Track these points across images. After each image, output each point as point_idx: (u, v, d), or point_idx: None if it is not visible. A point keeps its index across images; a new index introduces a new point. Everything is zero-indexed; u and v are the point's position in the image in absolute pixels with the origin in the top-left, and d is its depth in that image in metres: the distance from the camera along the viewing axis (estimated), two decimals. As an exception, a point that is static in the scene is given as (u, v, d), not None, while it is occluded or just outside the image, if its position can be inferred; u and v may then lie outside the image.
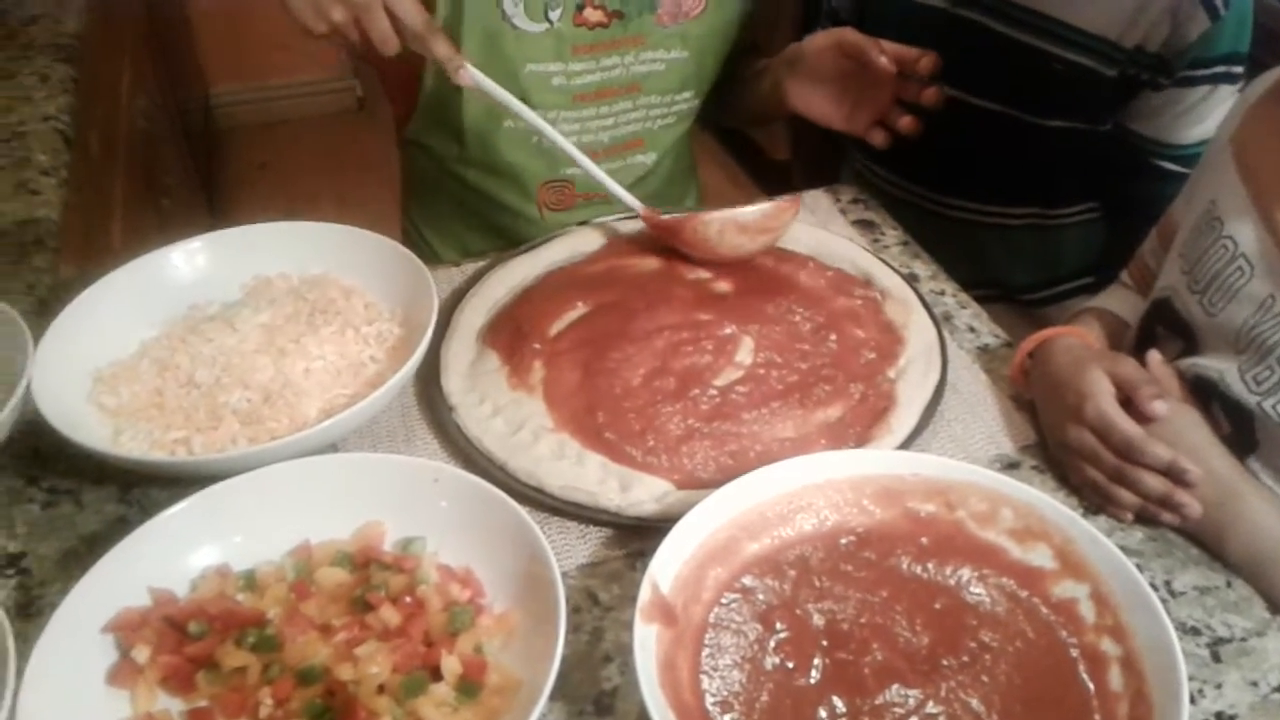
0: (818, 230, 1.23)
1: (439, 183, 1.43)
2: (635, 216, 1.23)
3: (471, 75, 1.07)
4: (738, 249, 1.14)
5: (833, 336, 1.06)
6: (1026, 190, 1.49)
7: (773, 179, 1.38)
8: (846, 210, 1.33)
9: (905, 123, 1.21)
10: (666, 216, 1.17)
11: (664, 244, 1.18)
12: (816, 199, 1.34)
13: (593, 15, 1.25)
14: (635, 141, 1.38)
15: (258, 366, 0.98)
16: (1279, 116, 0.96)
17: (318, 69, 3.89)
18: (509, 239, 1.37)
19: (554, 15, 1.23)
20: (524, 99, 1.24)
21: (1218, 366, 0.94)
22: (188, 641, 0.77)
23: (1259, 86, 1.02)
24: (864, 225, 1.30)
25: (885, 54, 1.17)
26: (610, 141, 1.35)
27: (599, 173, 1.19)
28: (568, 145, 1.17)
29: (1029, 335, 1.04)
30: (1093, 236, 1.55)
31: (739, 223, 1.12)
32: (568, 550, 0.90)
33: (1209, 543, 0.90)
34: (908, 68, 1.18)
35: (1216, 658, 0.81)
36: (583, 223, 1.26)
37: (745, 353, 1.04)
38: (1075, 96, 1.35)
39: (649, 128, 1.37)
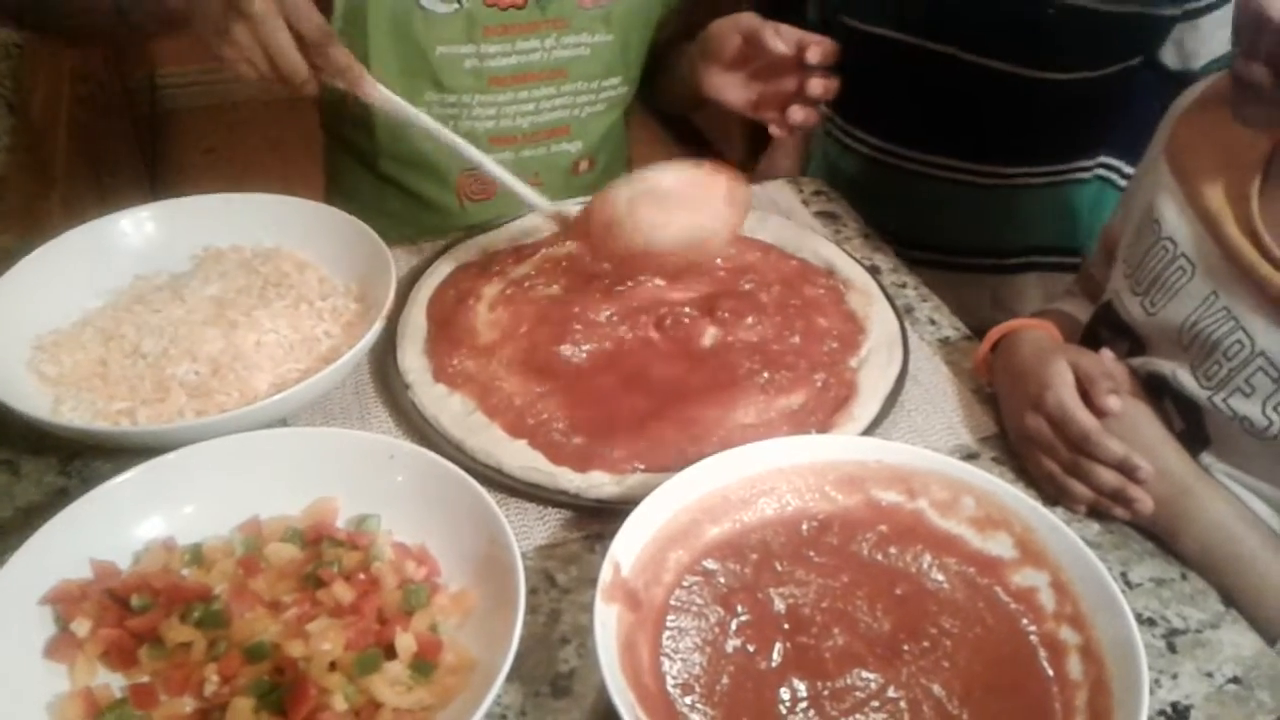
0: (781, 220, 1.23)
1: (357, 175, 1.37)
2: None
3: (373, 86, 0.99)
4: (654, 232, 0.93)
5: (796, 324, 1.06)
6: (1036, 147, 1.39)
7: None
8: (809, 202, 1.32)
9: (797, 115, 1.13)
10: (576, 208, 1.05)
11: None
12: (779, 190, 1.33)
13: None
14: (560, 129, 1.32)
15: (207, 338, 0.95)
16: (1206, 122, 0.98)
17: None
18: (430, 233, 1.28)
19: None
20: (436, 82, 1.21)
21: (1168, 364, 0.95)
22: (130, 615, 0.74)
23: (1185, 99, 1.04)
24: (826, 217, 1.30)
25: (782, 39, 1.10)
26: (531, 128, 1.30)
27: (502, 173, 1.06)
28: (469, 149, 1.04)
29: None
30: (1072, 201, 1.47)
31: (656, 193, 0.90)
32: (525, 531, 0.89)
33: (1163, 537, 0.90)
34: (803, 55, 1.09)
35: (1172, 648, 0.82)
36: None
37: (708, 338, 1.03)
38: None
39: (575, 115, 1.32)
